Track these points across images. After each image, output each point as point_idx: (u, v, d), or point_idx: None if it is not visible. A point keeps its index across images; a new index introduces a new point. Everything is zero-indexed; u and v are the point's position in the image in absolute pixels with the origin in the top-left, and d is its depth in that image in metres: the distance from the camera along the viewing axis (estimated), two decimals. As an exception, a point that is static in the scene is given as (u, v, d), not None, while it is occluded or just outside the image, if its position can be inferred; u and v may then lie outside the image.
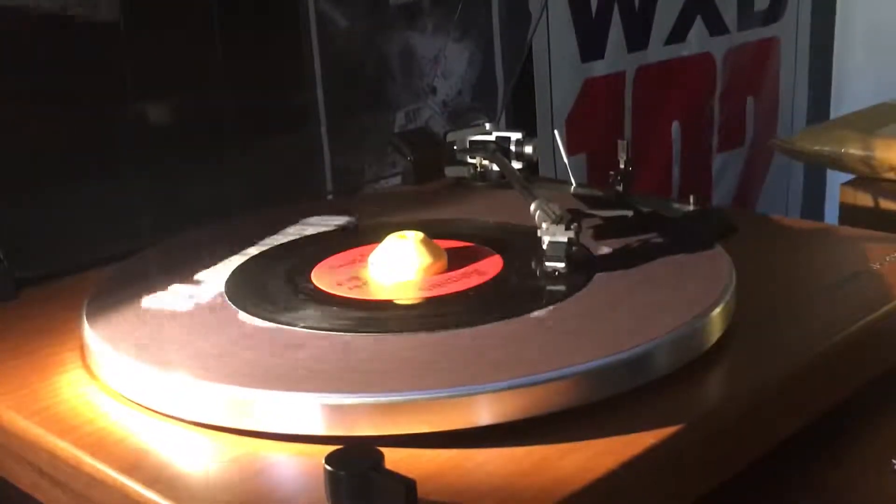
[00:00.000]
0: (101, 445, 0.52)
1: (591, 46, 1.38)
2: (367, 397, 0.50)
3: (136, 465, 0.49)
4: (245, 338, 0.58)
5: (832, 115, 1.72)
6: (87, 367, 0.60)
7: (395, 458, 0.45)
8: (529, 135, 0.90)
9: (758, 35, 1.65)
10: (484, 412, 0.50)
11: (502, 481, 0.47)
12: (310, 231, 0.77)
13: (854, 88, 1.74)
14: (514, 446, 0.49)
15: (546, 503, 0.45)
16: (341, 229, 0.77)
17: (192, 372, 0.53)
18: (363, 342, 0.56)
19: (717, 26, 1.57)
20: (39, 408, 0.56)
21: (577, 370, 0.52)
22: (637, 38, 1.45)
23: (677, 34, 1.51)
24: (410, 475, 0.43)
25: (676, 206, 0.78)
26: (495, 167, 0.88)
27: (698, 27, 1.53)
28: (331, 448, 0.44)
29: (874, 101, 1.34)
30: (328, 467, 0.43)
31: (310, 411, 0.50)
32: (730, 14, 1.59)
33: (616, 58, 1.42)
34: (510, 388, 0.50)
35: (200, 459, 0.51)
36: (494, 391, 0.50)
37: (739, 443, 0.55)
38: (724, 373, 0.57)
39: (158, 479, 0.48)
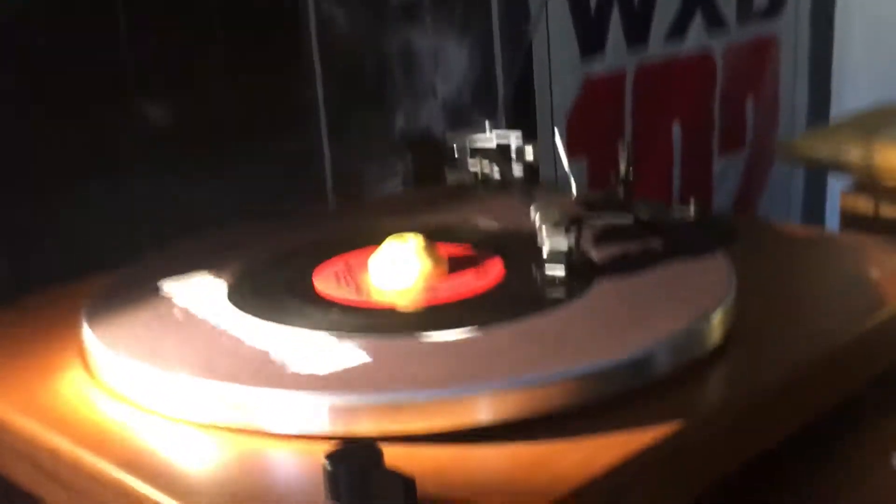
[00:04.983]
0: (101, 444, 0.52)
1: (590, 45, 1.38)
2: (368, 397, 0.50)
3: (136, 463, 0.49)
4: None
5: (832, 115, 1.72)
6: (87, 368, 0.60)
7: (394, 456, 0.45)
8: (530, 136, 0.90)
9: (757, 33, 1.65)
10: (485, 413, 0.50)
11: (502, 478, 0.47)
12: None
13: (854, 88, 1.73)
14: (515, 444, 0.49)
15: (546, 500, 0.45)
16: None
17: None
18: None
19: (716, 24, 1.57)
20: (40, 408, 0.56)
21: (578, 372, 0.52)
22: (637, 37, 1.45)
23: (677, 32, 1.51)
24: (410, 472, 0.43)
25: (677, 212, 0.78)
26: (496, 172, 0.88)
27: (697, 25, 1.53)
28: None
29: (874, 101, 1.34)
30: (328, 465, 0.43)
31: (310, 411, 0.50)
32: (729, 13, 1.59)
33: (616, 56, 1.42)
34: (510, 388, 0.50)
35: (200, 457, 0.51)
36: (494, 391, 0.50)
37: (738, 444, 0.55)
38: (725, 376, 0.57)
39: (158, 476, 0.48)
